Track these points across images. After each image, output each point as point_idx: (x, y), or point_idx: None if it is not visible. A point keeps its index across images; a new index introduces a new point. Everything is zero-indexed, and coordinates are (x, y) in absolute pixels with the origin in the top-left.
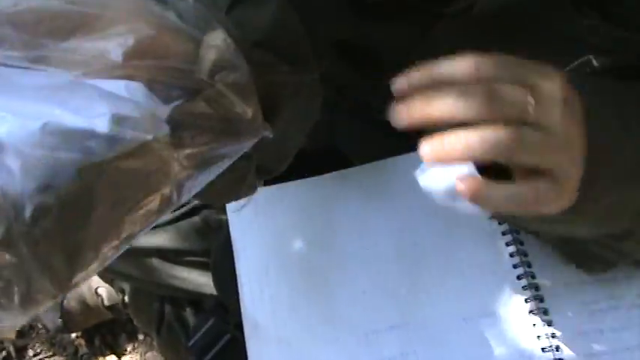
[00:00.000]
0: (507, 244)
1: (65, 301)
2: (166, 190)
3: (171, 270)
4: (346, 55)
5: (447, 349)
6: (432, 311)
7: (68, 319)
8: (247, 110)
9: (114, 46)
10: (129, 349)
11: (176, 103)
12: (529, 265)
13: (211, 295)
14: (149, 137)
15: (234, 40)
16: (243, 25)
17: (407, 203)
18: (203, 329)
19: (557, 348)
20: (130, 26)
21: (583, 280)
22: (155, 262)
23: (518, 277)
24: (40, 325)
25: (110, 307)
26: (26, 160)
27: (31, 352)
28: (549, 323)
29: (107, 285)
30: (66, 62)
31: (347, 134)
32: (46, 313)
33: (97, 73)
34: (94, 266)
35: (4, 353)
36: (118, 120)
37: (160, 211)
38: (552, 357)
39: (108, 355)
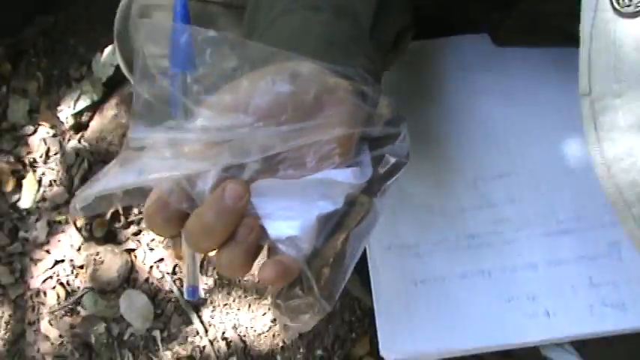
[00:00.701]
0: None
1: None
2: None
3: None
4: None
5: (554, 197)
6: (541, 161)
7: None
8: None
9: (335, 148)
10: None
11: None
12: None
13: None
14: (371, 206)
15: (376, 66)
16: (383, 44)
17: (517, 65)
18: None
19: None
20: (341, 131)
21: None
22: None
23: None
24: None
25: None
26: (310, 242)
27: (136, 210)
28: None
29: None
30: (307, 165)
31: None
32: None
33: (330, 167)
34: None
35: (112, 209)
36: (349, 198)
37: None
38: None
39: None
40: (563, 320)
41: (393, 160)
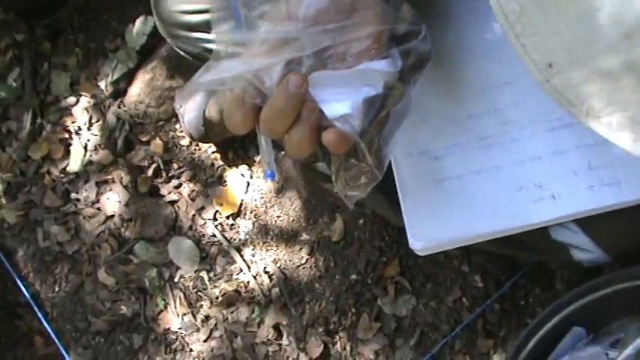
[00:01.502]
0: None
1: (207, 112)
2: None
3: None
4: None
5: None
6: None
7: (209, 128)
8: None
9: (371, 43)
10: (258, 159)
11: (396, 49)
12: None
13: None
14: (404, 91)
15: None
16: None
17: None
18: None
19: None
20: (373, 28)
21: None
22: None
23: None
24: (182, 143)
25: None
26: (360, 119)
27: (175, 166)
28: None
29: None
30: (349, 59)
31: None
32: (191, 123)
33: (368, 59)
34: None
35: (154, 165)
36: (386, 84)
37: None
38: None
39: (240, 165)
40: (568, 201)
41: (418, 51)
